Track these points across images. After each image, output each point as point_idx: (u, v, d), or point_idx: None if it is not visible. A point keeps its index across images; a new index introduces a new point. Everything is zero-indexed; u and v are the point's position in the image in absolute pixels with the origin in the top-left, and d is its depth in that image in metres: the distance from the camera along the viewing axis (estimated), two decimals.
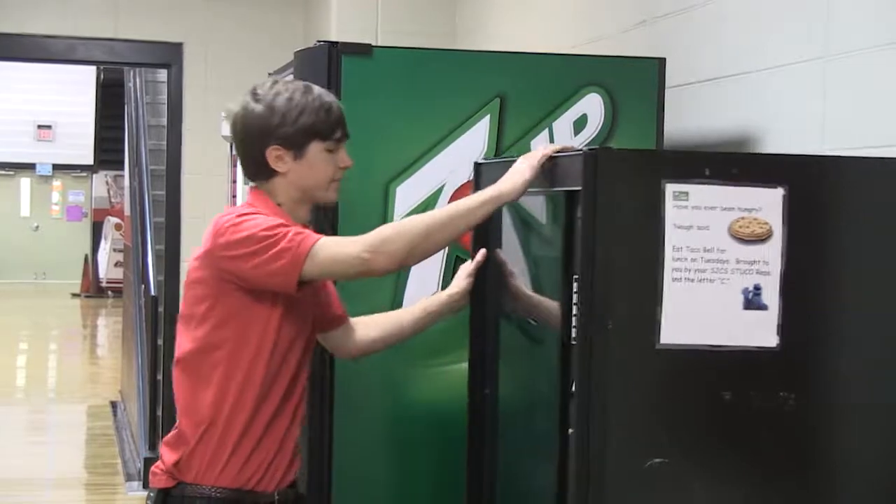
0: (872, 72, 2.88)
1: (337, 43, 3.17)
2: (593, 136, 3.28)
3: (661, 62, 3.40)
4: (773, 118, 3.28)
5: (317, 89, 2.70)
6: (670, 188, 2.23)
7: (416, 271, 3.16)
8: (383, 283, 3.15)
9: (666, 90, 3.39)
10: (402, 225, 2.61)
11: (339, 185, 2.75)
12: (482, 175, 2.92)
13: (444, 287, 3.08)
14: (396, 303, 3.16)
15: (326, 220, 3.11)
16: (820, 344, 2.32)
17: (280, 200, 2.69)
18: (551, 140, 3.25)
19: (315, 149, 2.66)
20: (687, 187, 2.23)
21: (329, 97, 2.70)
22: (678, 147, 3.63)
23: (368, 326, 2.94)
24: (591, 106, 3.29)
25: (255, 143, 2.67)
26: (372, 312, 3.01)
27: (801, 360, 2.29)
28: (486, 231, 2.88)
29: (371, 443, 3.21)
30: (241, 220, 2.59)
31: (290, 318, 2.65)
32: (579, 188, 2.26)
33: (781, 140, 3.24)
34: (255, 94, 2.68)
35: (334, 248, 2.57)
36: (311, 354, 2.78)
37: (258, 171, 2.70)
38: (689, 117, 3.66)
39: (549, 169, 2.54)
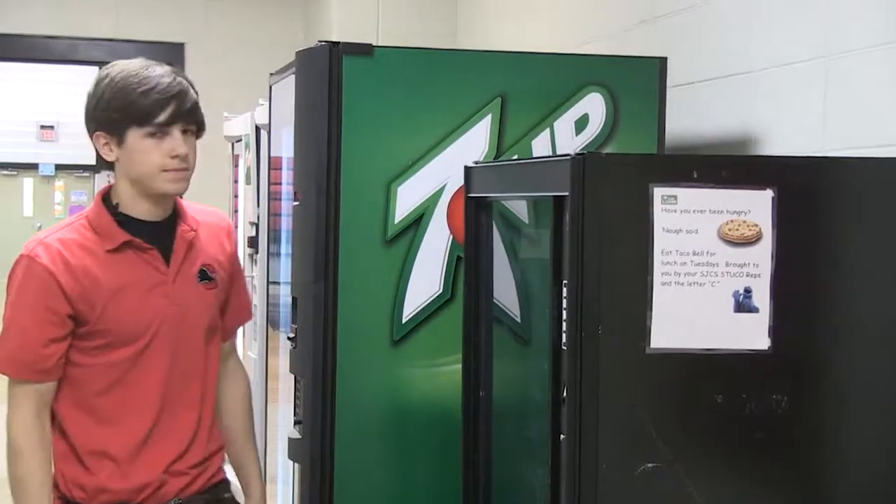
0: (875, 71, 2.88)
1: (338, 43, 3.16)
2: (594, 135, 3.28)
3: (663, 61, 3.39)
4: (775, 117, 3.28)
5: (155, 70, 2.42)
6: (658, 192, 2.21)
7: (417, 270, 3.16)
8: (385, 279, 3.15)
9: (668, 89, 3.38)
10: (21, 479, 2.43)
11: (184, 176, 2.50)
12: (473, 179, 2.89)
13: (444, 285, 3.13)
14: (398, 299, 3.16)
15: (329, 220, 3.11)
16: (812, 345, 2.31)
17: (119, 198, 2.47)
18: (552, 139, 3.26)
19: (134, 135, 2.39)
20: (675, 191, 2.21)
21: (163, 78, 2.41)
22: (679, 146, 3.62)
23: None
24: (593, 105, 3.29)
25: (86, 128, 2.46)
26: (373, 310, 3.06)
27: (793, 362, 2.28)
28: (476, 233, 2.86)
29: (372, 443, 3.21)
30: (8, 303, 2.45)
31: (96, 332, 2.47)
32: (567, 193, 2.24)
33: (783, 139, 3.23)
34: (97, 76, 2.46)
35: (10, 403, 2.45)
36: (184, 349, 2.56)
37: (99, 160, 2.48)
38: (690, 117, 3.66)
39: (536, 174, 2.51)
